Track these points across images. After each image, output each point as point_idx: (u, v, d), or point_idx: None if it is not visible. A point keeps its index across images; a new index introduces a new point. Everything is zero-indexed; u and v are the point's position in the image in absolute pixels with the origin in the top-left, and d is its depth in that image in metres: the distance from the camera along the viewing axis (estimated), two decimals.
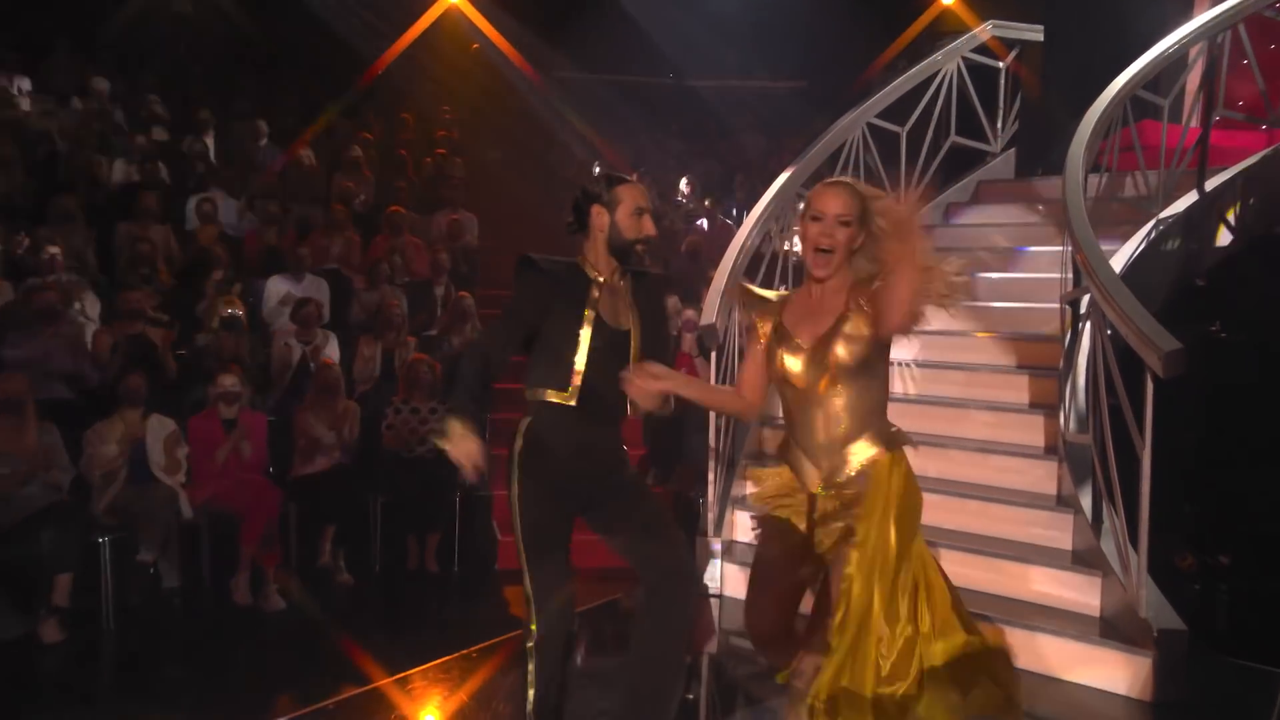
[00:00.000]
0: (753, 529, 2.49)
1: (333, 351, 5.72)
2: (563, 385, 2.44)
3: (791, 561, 2.33)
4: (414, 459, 5.11)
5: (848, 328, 2.24)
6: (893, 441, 2.29)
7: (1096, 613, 3.36)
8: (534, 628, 2.45)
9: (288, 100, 9.61)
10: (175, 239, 6.57)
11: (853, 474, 2.26)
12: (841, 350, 2.23)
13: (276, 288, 6.18)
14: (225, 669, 3.80)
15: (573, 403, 2.44)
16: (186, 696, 3.53)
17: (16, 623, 3.94)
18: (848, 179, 2.40)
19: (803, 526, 2.32)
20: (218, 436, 4.68)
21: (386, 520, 5.04)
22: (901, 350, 4.71)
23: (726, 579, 4.17)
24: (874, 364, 2.27)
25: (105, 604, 4.19)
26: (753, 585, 2.41)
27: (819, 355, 2.25)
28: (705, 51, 10.82)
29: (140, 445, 4.56)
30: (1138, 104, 4.64)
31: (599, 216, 2.50)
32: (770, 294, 2.44)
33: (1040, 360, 4.37)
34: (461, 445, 2.36)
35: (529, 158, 10.33)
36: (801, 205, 2.36)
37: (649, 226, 2.52)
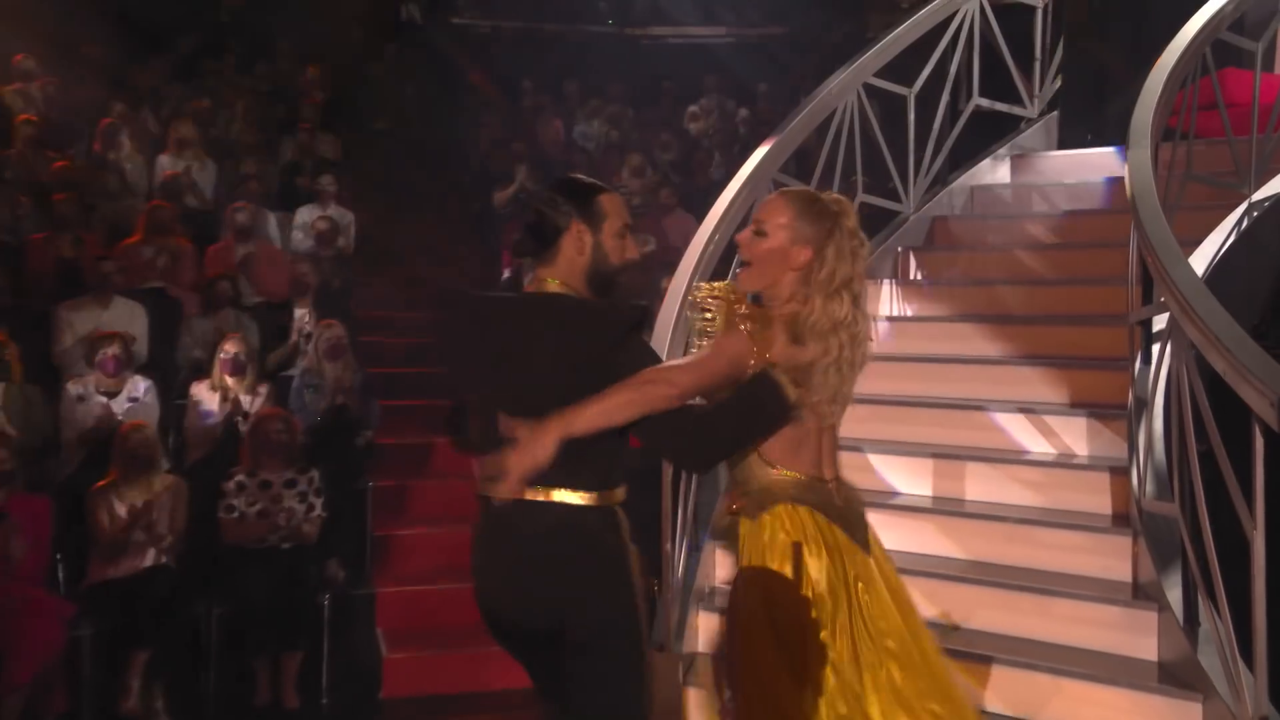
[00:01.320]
0: None
1: (147, 405, 5.45)
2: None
3: None
4: (265, 551, 4.91)
5: None
6: None
7: None
8: None
9: (90, 53, 9.21)
10: None
11: None
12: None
13: (70, 319, 5.85)
14: None
15: None
16: None
17: None
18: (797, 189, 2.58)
19: None
20: None
21: (226, 639, 4.83)
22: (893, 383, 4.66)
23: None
24: None
25: None
26: None
27: None
28: None
29: None
30: (1219, 50, 4.53)
31: (580, 237, 2.44)
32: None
33: (1102, 396, 4.23)
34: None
35: (425, 132, 10.14)
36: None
37: (634, 249, 2.53)
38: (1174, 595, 3.38)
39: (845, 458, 4.41)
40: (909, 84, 5.37)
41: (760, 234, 2.48)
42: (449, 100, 10.36)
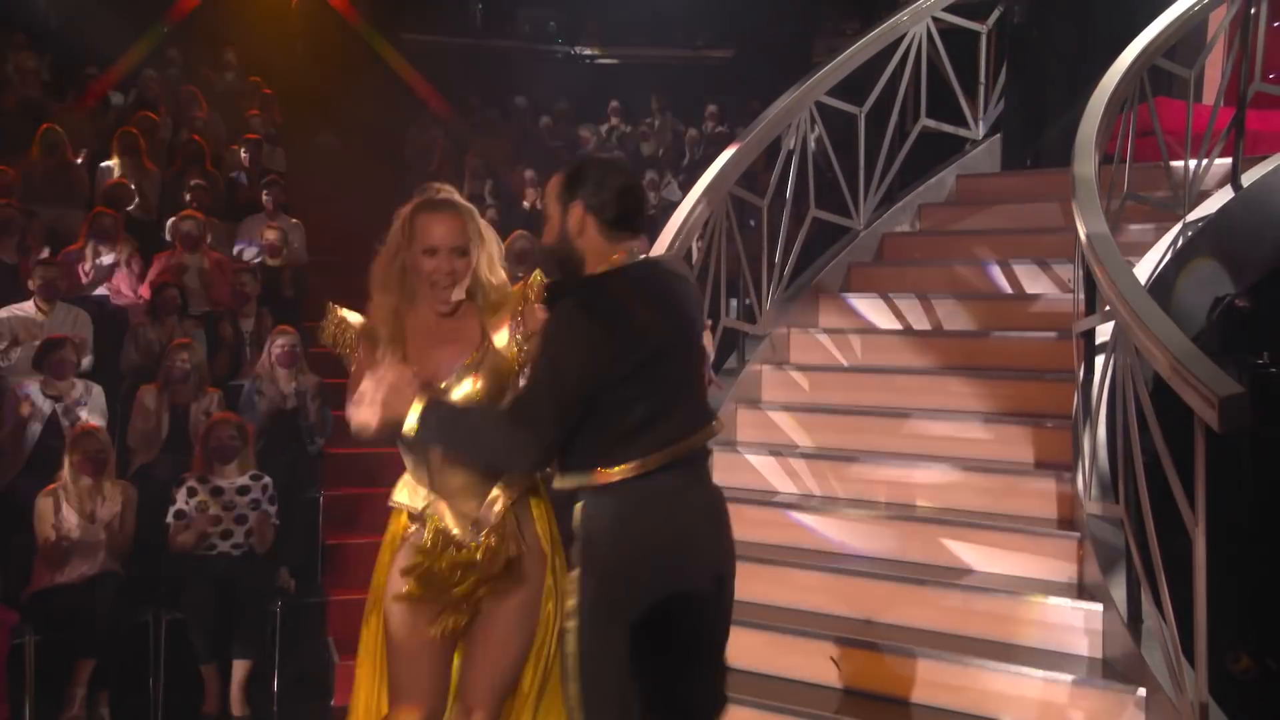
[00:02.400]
0: None
1: (96, 410, 5.37)
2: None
3: None
4: (214, 558, 4.84)
5: (491, 358, 2.61)
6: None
7: None
8: None
9: (30, 62, 9.05)
10: None
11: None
12: (484, 383, 2.59)
13: (12, 324, 5.76)
14: None
15: None
16: None
17: None
18: (449, 197, 2.63)
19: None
20: None
21: (173, 645, 4.74)
22: (846, 393, 4.79)
23: None
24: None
25: None
26: None
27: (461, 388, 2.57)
28: (604, 11, 10.83)
29: None
30: (1152, 79, 4.71)
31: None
32: (357, 318, 2.69)
33: (1046, 406, 4.36)
34: None
35: (375, 144, 10.11)
36: (399, 224, 2.61)
37: None
38: (1118, 594, 3.48)
39: (800, 465, 4.56)
40: (860, 103, 5.48)
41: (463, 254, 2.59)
42: (398, 115, 10.35)
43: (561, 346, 2.28)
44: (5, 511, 4.73)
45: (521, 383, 2.57)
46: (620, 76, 11.17)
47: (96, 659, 4.48)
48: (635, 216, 2.45)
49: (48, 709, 4.42)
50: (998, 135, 6.15)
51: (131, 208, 7.41)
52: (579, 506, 2.34)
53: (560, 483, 2.40)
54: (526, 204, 8.67)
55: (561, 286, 2.40)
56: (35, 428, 5.21)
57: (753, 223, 5.56)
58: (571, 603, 2.28)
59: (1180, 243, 4.60)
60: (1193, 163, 4.73)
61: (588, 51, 11.33)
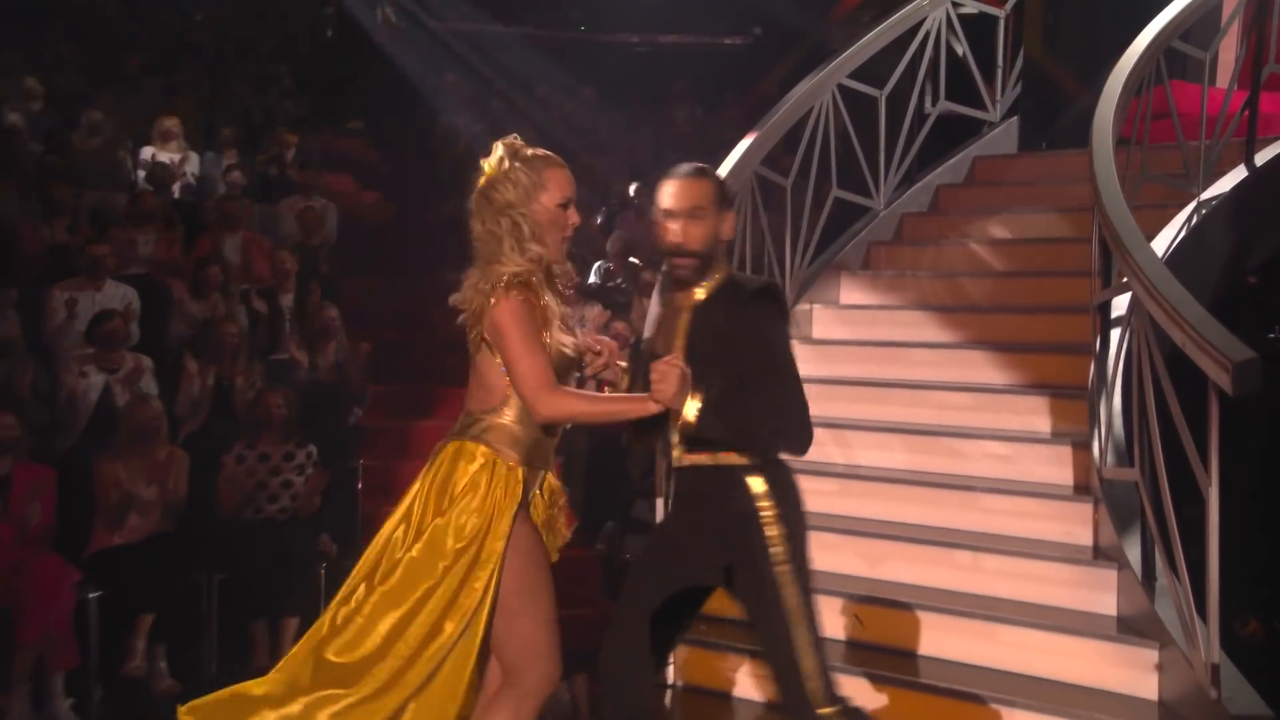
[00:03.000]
0: None
1: (147, 382, 5.46)
2: None
3: None
4: (262, 522, 4.95)
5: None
6: None
7: (1154, 695, 3.33)
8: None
9: (70, 50, 9.17)
10: None
11: None
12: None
13: (65, 299, 5.83)
14: None
15: None
16: None
17: None
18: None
19: None
20: None
21: (225, 604, 4.85)
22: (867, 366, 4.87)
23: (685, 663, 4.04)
24: None
25: None
26: None
27: None
28: None
29: None
30: (1169, 60, 4.74)
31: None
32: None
33: (1062, 378, 4.41)
34: None
35: (400, 132, 10.18)
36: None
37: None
38: (1133, 555, 3.55)
39: (823, 434, 4.63)
40: (880, 86, 5.51)
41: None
42: (424, 100, 10.40)
43: (787, 342, 2.65)
44: (65, 476, 4.78)
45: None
46: (644, 63, 11.19)
47: (154, 614, 4.58)
48: None
49: (111, 659, 4.53)
50: (1015, 118, 6.16)
51: (173, 189, 7.50)
52: (759, 478, 2.64)
53: (735, 459, 2.63)
54: None
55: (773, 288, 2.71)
56: (91, 397, 5.29)
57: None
58: (781, 546, 2.61)
59: (1195, 220, 4.63)
60: (1207, 142, 4.76)
61: (612, 39, 11.36)
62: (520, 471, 2.62)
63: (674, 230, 2.65)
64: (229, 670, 4.71)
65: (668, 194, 2.66)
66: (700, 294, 2.69)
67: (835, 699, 2.61)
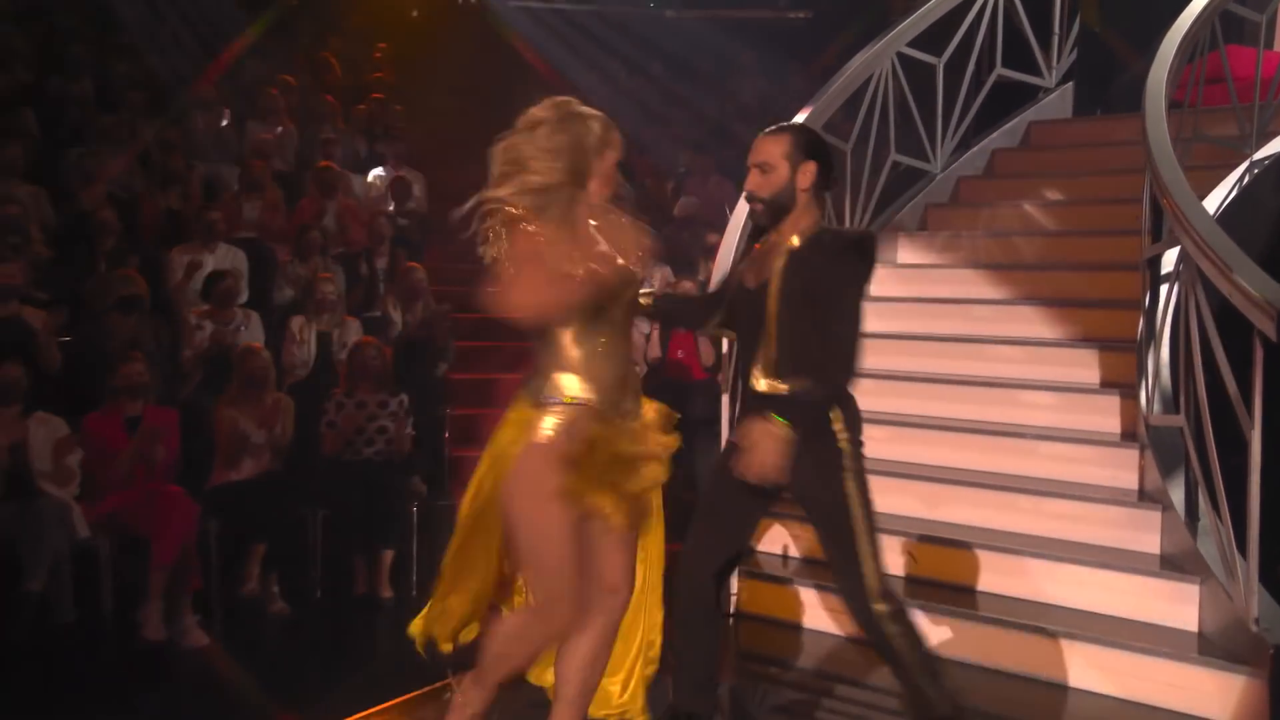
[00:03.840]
0: None
1: (255, 334, 5.67)
2: None
3: None
4: (360, 463, 5.08)
5: None
6: None
7: (1195, 626, 3.36)
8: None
9: (181, 32, 9.41)
10: (49, 201, 6.42)
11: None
12: None
13: (183, 260, 6.09)
14: (133, 718, 3.69)
15: None
16: None
17: None
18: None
19: None
20: (120, 438, 4.59)
21: (328, 537, 5.00)
22: (925, 321, 4.85)
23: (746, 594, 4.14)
24: None
25: None
26: None
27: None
28: None
29: (20, 450, 4.46)
30: (1224, 23, 4.63)
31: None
32: None
33: (1111, 332, 4.40)
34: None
35: (483, 102, 10.24)
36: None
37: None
38: (1176, 496, 3.57)
39: (882, 386, 4.67)
40: (938, 54, 5.47)
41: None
42: (505, 78, 10.47)
43: (861, 293, 2.73)
44: (187, 418, 4.98)
45: None
46: (706, 36, 11.13)
47: (266, 544, 4.77)
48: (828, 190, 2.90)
49: (230, 583, 4.74)
50: (1070, 83, 6.06)
51: (276, 160, 7.72)
52: (836, 411, 2.72)
53: (812, 393, 2.67)
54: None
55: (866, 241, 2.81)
56: (205, 347, 5.52)
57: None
58: (850, 463, 2.73)
59: (1246, 180, 4.55)
60: (1261, 103, 4.66)
61: (671, 13, 11.35)
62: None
63: (749, 180, 2.80)
64: (332, 597, 4.95)
65: (751, 150, 2.82)
66: (795, 240, 2.75)
67: (891, 598, 2.72)
